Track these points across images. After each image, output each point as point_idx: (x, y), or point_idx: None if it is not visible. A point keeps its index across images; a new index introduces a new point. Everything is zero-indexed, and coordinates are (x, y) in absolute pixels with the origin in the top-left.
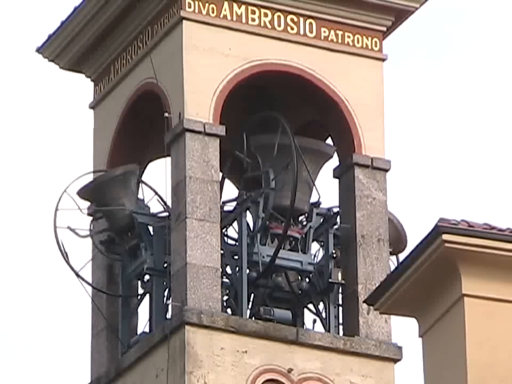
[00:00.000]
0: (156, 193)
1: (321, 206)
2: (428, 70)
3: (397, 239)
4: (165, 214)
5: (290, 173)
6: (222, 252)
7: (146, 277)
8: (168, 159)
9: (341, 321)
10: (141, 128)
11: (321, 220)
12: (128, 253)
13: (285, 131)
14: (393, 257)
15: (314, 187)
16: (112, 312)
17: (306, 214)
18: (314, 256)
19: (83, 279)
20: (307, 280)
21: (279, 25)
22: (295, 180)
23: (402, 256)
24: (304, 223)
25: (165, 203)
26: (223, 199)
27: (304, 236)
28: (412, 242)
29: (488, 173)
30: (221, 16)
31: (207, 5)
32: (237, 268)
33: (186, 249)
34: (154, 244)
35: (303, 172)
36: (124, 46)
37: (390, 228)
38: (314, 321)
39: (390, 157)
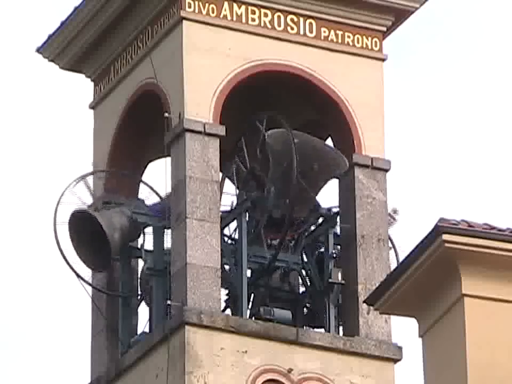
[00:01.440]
0: (156, 193)
1: (320, 207)
2: (428, 70)
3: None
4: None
5: (291, 187)
6: (222, 251)
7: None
8: (168, 159)
9: (341, 321)
10: (141, 128)
11: (321, 220)
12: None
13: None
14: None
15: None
16: (112, 312)
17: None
18: (303, 255)
19: (83, 279)
20: (300, 280)
21: (279, 25)
22: (292, 198)
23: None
24: (302, 219)
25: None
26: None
27: (296, 237)
28: (412, 242)
29: (488, 173)
30: (221, 16)
31: (207, 5)
32: (237, 268)
33: (186, 249)
34: (154, 244)
35: (306, 189)
36: (124, 46)
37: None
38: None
39: (390, 157)
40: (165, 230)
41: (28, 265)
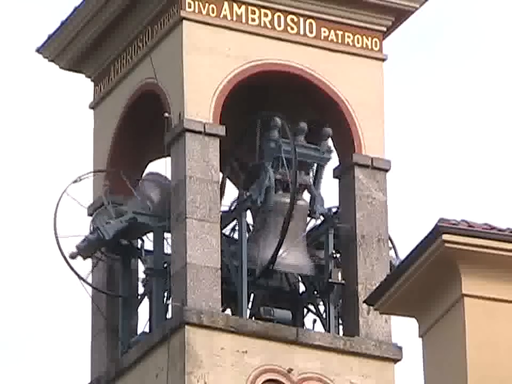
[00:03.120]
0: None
1: (320, 206)
2: (427, 70)
3: None
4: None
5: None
6: (222, 251)
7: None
8: (168, 159)
9: (341, 321)
10: (141, 128)
11: (321, 220)
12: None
13: (287, 138)
14: None
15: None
16: (112, 312)
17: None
18: None
19: (83, 279)
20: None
21: (279, 25)
22: (291, 206)
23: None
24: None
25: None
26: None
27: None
28: (412, 242)
29: (488, 173)
30: (221, 16)
31: (207, 5)
32: (237, 268)
33: (186, 249)
34: (154, 244)
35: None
36: (124, 46)
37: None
38: (314, 321)
39: (390, 157)
40: (165, 230)
41: (28, 265)
